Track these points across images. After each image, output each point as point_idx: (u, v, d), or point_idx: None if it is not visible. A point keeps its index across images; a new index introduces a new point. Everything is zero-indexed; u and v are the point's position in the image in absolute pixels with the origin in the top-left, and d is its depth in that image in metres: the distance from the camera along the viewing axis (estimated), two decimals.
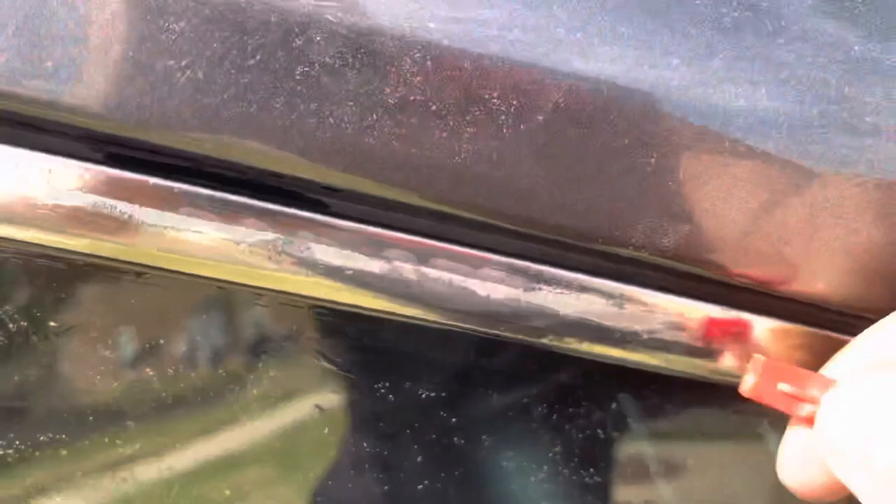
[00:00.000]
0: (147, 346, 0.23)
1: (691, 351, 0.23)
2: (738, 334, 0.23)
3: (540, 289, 0.21)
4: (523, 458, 0.26)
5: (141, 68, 0.18)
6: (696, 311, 0.22)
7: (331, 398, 0.25)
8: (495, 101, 0.19)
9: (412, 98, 0.18)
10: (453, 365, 0.25)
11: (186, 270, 0.20)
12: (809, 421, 0.20)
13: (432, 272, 0.21)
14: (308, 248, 0.20)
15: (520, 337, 0.22)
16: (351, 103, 0.18)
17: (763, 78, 0.20)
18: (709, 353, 0.23)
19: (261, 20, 0.18)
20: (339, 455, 0.25)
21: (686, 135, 0.20)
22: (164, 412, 0.23)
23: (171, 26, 0.17)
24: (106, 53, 0.18)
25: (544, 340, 0.22)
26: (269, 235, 0.20)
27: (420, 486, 0.25)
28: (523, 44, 0.18)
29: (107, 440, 0.23)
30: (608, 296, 0.22)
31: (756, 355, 0.21)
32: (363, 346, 0.24)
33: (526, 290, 0.21)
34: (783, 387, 0.20)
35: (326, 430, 0.25)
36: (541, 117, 0.19)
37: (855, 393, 0.19)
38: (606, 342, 0.22)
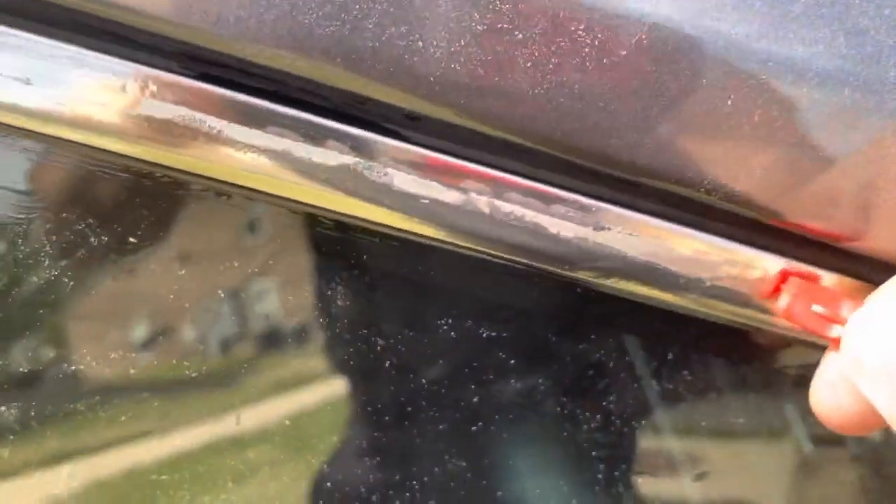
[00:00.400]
0: (219, 267, 0.23)
1: (753, 302, 0.23)
2: None
3: (609, 229, 0.22)
4: (577, 407, 0.26)
5: None
6: (763, 263, 0.22)
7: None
8: (581, 33, 0.19)
9: (500, 25, 0.19)
10: (514, 305, 0.25)
11: (268, 190, 0.20)
12: (839, 343, 0.20)
13: (505, 206, 0.21)
14: (386, 174, 0.21)
15: (585, 277, 0.22)
16: (440, 28, 0.19)
17: (842, 26, 0.20)
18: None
19: None
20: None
21: (763, 79, 0.20)
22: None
23: None
24: None
25: (609, 282, 0.22)
26: (350, 159, 0.20)
27: (474, 428, 0.25)
28: None
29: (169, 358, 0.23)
30: (676, 241, 0.22)
31: (792, 277, 0.21)
32: (417, 281, 0.25)
33: (596, 229, 0.22)
34: (817, 308, 0.21)
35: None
36: (623, 52, 0.19)
37: (882, 310, 0.19)
38: (670, 288, 0.22)
